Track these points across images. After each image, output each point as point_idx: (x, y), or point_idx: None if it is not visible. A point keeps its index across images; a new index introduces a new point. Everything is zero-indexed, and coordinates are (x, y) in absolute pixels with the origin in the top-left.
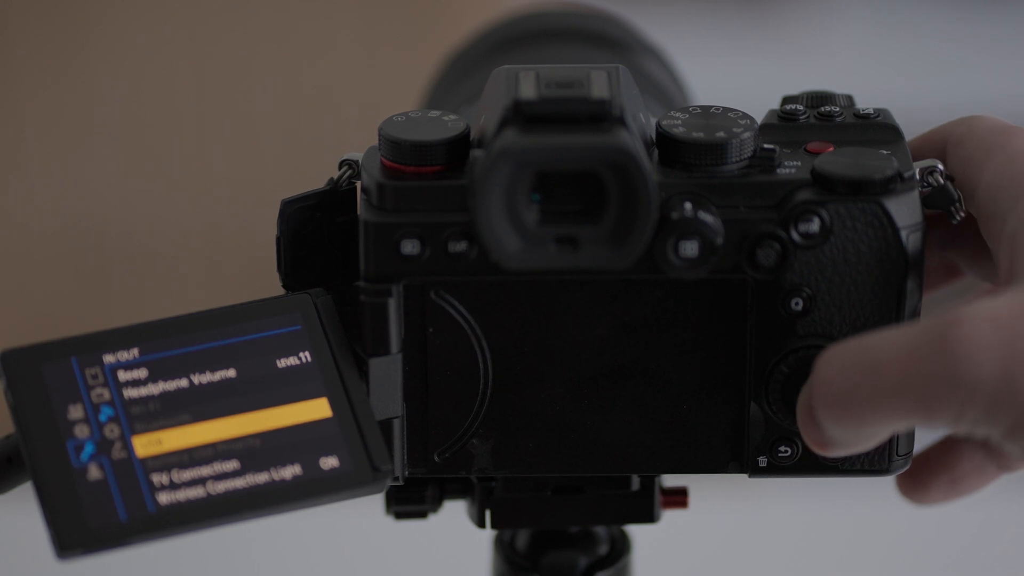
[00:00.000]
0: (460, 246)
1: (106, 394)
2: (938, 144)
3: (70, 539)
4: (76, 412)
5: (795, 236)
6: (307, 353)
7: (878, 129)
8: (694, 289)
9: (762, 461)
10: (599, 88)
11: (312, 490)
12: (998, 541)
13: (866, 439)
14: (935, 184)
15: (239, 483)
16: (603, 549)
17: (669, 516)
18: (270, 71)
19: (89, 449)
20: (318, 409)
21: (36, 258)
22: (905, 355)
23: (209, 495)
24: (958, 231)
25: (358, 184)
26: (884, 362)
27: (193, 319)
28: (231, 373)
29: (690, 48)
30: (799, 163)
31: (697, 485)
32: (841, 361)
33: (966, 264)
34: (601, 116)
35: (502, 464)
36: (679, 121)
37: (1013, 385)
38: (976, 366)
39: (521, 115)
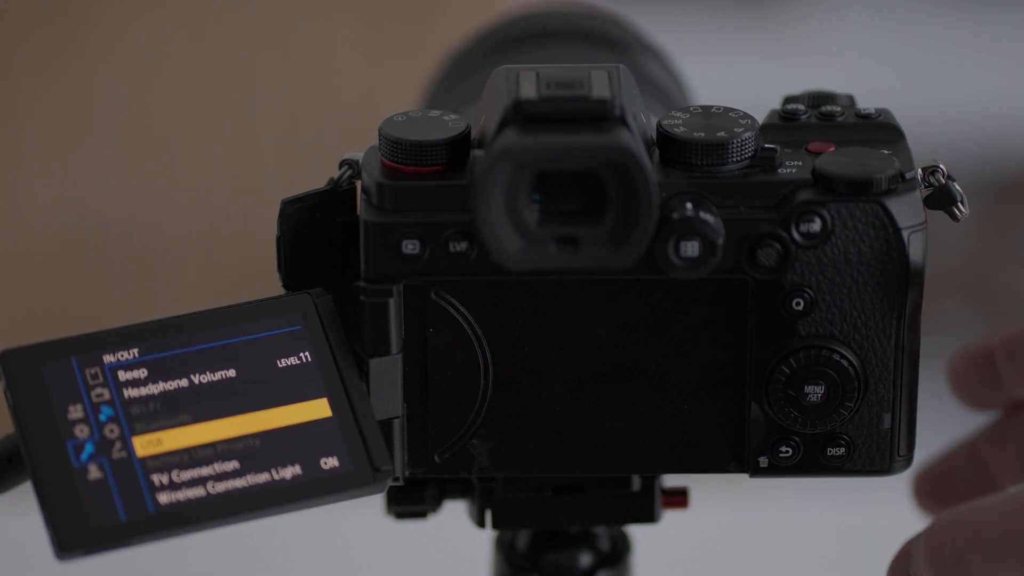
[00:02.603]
0: (460, 246)
1: (106, 394)
2: None
3: (70, 539)
4: (76, 412)
5: (796, 236)
6: (307, 353)
7: (879, 129)
8: (695, 289)
9: (763, 461)
10: (599, 88)
11: (312, 490)
12: None
13: None
14: (937, 184)
15: (239, 483)
16: (604, 549)
17: (669, 516)
18: (270, 71)
19: (89, 449)
20: (318, 409)
21: (36, 258)
22: (1006, 519)
23: (209, 495)
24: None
25: (358, 184)
26: (991, 522)
27: (193, 319)
28: (231, 373)
29: (690, 48)
30: (800, 163)
31: (697, 485)
32: (951, 524)
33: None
34: (601, 116)
35: (502, 464)
36: (680, 121)
37: None
38: None
39: (521, 115)
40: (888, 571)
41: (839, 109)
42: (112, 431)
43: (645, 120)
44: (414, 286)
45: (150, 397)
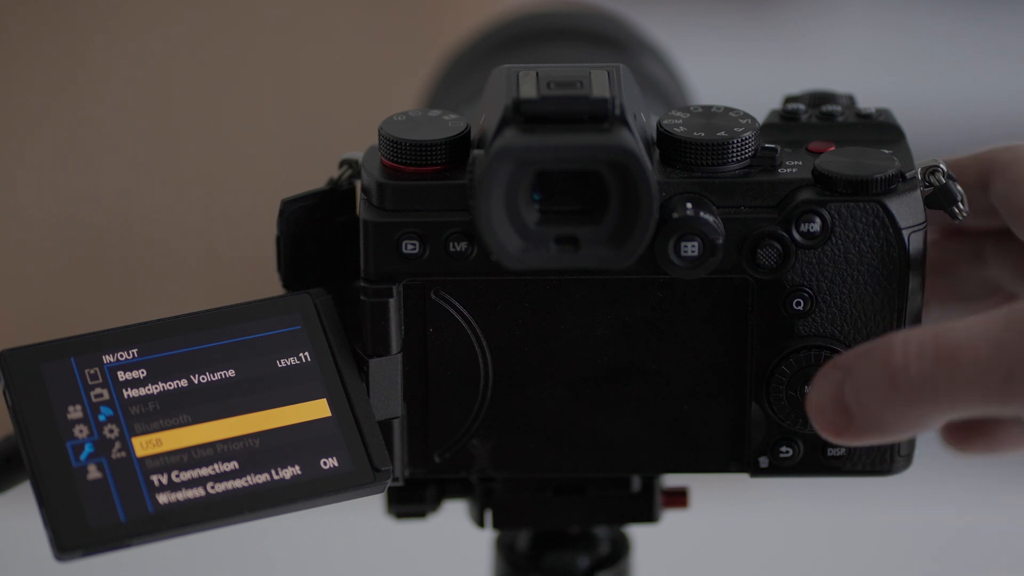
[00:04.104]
0: (460, 246)
1: (105, 394)
2: (982, 169)
3: (69, 540)
4: (75, 412)
5: (796, 236)
6: (307, 353)
7: (879, 129)
8: (695, 289)
9: (763, 461)
10: (600, 87)
11: (312, 491)
12: (999, 542)
13: (921, 426)
14: (937, 184)
15: (238, 483)
16: (604, 550)
17: (669, 516)
18: (270, 71)
19: (88, 449)
20: (318, 409)
21: (36, 259)
22: (984, 339)
23: (208, 495)
24: (1001, 252)
25: (358, 184)
26: (962, 345)
27: (193, 319)
28: (231, 373)
29: (690, 48)
30: (800, 163)
31: (697, 485)
32: (917, 345)
33: (1010, 280)
34: (602, 115)
35: (502, 464)
36: (680, 121)
37: None
38: None
39: (521, 114)
40: (813, 390)
41: (839, 109)
42: (111, 431)
43: (645, 120)
44: (414, 286)
45: (149, 397)
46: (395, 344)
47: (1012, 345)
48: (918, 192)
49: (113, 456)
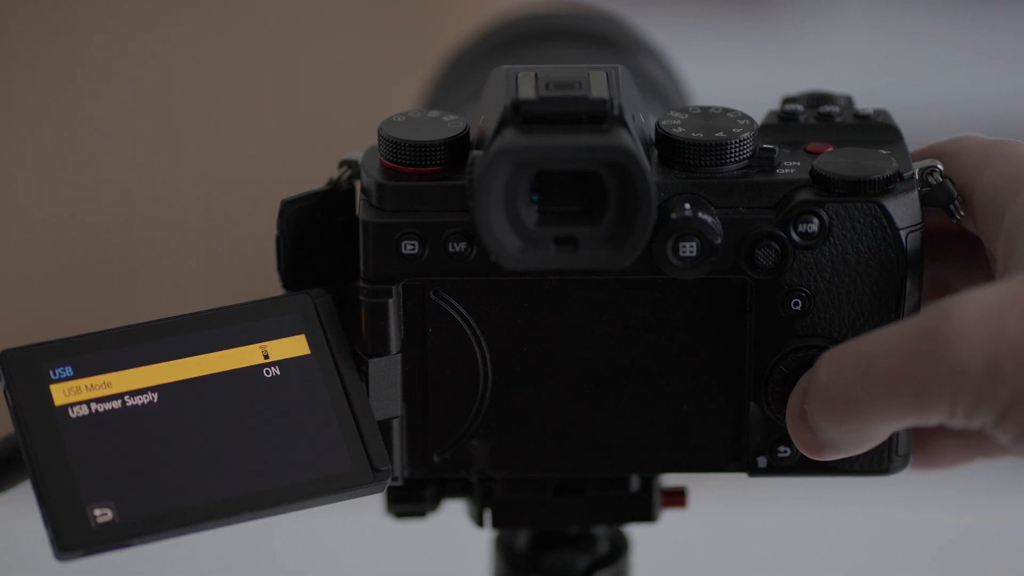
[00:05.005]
0: (459, 246)
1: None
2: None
3: (70, 540)
4: (76, 412)
5: (794, 236)
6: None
7: (877, 129)
8: (693, 289)
9: (761, 461)
10: (598, 88)
11: (311, 491)
12: (999, 542)
13: (864, 440)
14: (934, 184)
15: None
16: (602, 549)
17: (668, 516)
18: (270, 71)
19: None
20: (317, 410)
21: (36, 259)
22: (898, 350)
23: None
24: (948, 244)
25: (357, 184)
26: (878, 358)
27: (193, 319)
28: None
29: (690, 48)
30: (798, 163)
31: (697, 485)
32: (838, 362)
33: (956, 276)
34: (600, 116)
35: (502, 464)
36: (678, 121)
37: (999, 374)
38: (964, 356)
39: (520, 115)
40: (788, 405)
41: (837, 109)
42: None
43: (644, 120)
44: (413, 286)
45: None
46: (394, 344)
47: (923, 355)
48: (915, 192)
49: None
